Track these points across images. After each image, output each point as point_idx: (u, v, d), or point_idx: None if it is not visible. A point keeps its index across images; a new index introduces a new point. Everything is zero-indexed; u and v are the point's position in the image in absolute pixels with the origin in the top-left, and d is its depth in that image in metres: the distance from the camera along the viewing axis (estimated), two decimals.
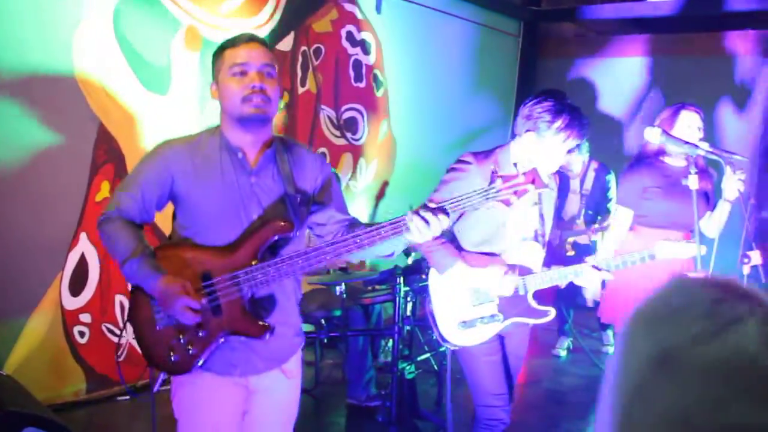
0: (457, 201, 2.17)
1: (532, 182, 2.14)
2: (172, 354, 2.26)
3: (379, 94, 6.05)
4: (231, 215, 2.27)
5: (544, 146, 2.81)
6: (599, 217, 5.45)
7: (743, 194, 3.57)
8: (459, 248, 2.95)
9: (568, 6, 8.41)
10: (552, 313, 2.95)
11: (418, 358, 4.47)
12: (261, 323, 2.25)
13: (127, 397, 4.37)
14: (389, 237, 2.19)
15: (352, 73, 5.75)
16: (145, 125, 4.31)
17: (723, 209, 3.60)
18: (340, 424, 4.54)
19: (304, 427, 2.97)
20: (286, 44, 5.11)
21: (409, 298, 4.34)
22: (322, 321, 4.42)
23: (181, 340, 2.24)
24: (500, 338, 3.04)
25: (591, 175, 5.76)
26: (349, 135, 5.77)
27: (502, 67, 7.78)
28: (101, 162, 4.18)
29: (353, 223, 2.46)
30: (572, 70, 7.75)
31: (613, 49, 7.66)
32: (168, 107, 4.40)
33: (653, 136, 2.67)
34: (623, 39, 7.73)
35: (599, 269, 2.91)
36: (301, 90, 5.30)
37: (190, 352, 2.24)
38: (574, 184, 5.79)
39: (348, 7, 5.65)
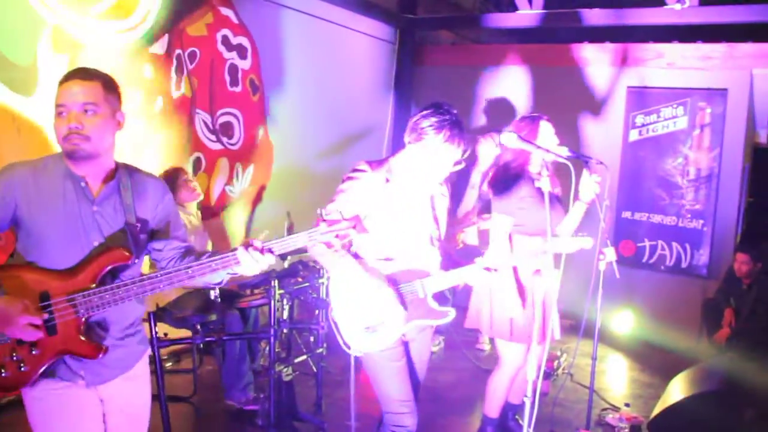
0: (284, 242, 2.36)
1: (354, 228, 2.36)
2: (2, 371, 2.27)
3: (255, 98, 6.04)
4: (72, 241, 2.34)
5: (431, 157, 2.94)
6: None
7: (599, 196, 3.84)
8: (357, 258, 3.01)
9: (444, 15, 8.69)
10: (452, 313, 3.04)
11: (296, 360, 4.50)
12: (95, 344, 2.33)
13: None
14: (219, 270, 2.37)
15: (227, 78, 5.72)
16: (9, 128, 4.14)
17: (577, 210, 3.85)
18: (219, 429, 4.51)
19: None
20: (160, 47, 5.03)
21: (285, 301, 4.37)
22: (198, 326, 4.38)
23: (14, 358, 2.27)
24: (404, 344, 3.11)
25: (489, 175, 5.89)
26: (225, 139, 5.73)
27: (378, 74, 7.93)
28: None
29: (188, 251, 2.58)
30: (448, 78, 7.99)
31: (487, 58, 7.96)
32: (34, 109, 4.24)
33: (509, 141, 2.84)
34: (496, 48, 8.06)
35: (489, 270, 3.07)
36: (176, 94, 5.23)
37: (22, 369, 2.27)
38: (475, 178, 5.93)
39: (224, 11, 5.62)
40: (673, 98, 6.81)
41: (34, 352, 2.28)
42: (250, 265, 2.33)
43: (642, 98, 6.98)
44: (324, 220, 2.35)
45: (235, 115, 5.83)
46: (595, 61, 7.25)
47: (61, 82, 2.33)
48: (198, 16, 5.39)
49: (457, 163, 3.01)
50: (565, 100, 7.16)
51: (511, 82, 7.68)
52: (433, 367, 5.74)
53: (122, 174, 2.47)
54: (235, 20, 5.73)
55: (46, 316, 2.26)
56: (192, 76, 5.36)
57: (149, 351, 2.67)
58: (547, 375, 5.35)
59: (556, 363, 5.63)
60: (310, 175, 6.53)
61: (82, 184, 2.37)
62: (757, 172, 6.93)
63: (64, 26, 4.33)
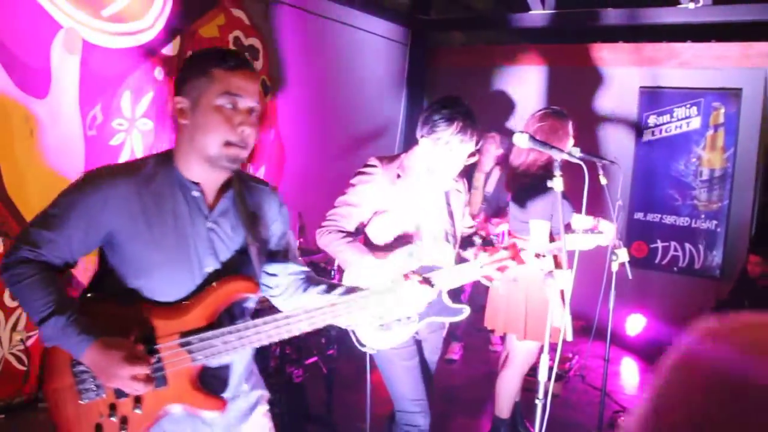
0: (443, 275, 2.18)
1: (513, 258, 2.24)
2: None
3: (266, 99, 6.05)
4: (182, 268, 1.89)
5: (443, 151, 2.92)
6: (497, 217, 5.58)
7: (612, 197, 3.82)
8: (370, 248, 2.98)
9: (456, 16, 8.68)
10: (466, 310, 2.96)
11: (306, 362, 4.50)
12: (215, 398, 1.91)
13: (2, 416, 4.14)
14: (369, 308, 2.01)
15: None
16: (22, 129, 4.16)
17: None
18: None
19: None
20: (171, 49, 5.05)
21: None
22: None
23: (112, 419, 1.83)
24: (417, 343, 3.11)
25: (496, 174, 5.90)
26: None
27: (391, 75, 7.93)
28: None
29: (309, 278, 2.20)
30: (460, 79, 7.97)
31: (499, 59, 7.95)
32: (47, 111, 4.27)
33: (521, 141, 2.83)
34: (508, 49, 8.04)
35: (539, 257, 3.05)
36: None
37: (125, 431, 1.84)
38: (479, 180, 5.93)
39: (236, 12, 5.63)
40: (686, 98, 6.76)
41: (137, 411, 1.84)
42: (410, 301, 2.04)
43: (655, 98, 6.94)
44: (485, 249, 2.21)
45: None
46: (608, 61, 7.22)
47: (231, 67, 1.85)
48: (210, 18, 5.41)
49: (471, 155, 3.00)
50: (578, 100, 7.13)
51: (523, 83, 7.66)
52: (447, 368, 5.77)
53: (236, 182, 2.02)
54: (246, 22, 5.74)
55: (153, 362, 1.82)
56: None
57: (268, 396, 2.22)
58: (559, 377, 5.33)
59: (568, 365, 5.61)
60: (321, 176, 6.53)
61: (195, 193, 1.91)
62: None
63: (77, 28, 4.35)
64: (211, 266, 1.92)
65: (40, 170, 4.21)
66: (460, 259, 3.19)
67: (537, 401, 3.01)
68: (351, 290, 2.06)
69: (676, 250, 6.90)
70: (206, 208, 1.93)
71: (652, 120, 6.94)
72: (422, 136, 2.97)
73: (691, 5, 6.32)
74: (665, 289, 6.88)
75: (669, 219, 6.91)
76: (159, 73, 4.96)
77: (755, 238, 6.46)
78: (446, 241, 3.09)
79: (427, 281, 2.11)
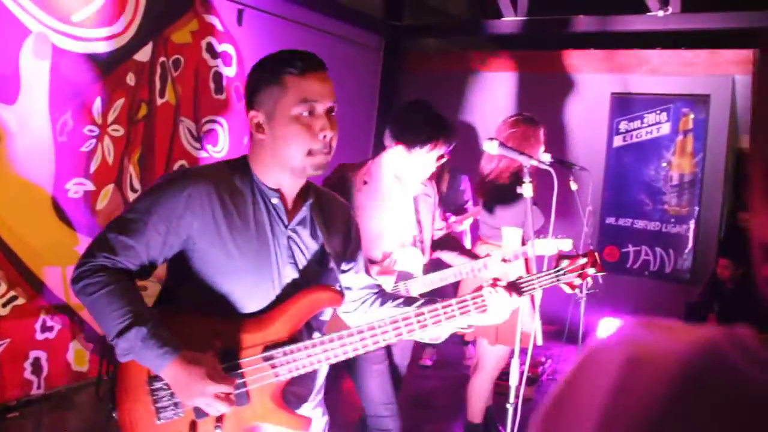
0: (529, 281, 2.07)
1: (592, 265, 2.18)
2: None
3: (240, 106, 6.04)
4: (264, 276, 1.80)
5: (413, 156, 2.92)
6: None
7: (582, 202, 3.86)
8: None
9: (430, 22, 8.72)
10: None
11: None
12: (299, 416, 1.81)
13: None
14: (456, 317, 1.91)
15: (212, 85, 5.71)
16: None
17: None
18: None
19: None
20: (144, 54, 5.02)
21: None
22: None
23: None
24: (387, 347, 3.11)
25: (446, 177, 5.83)
26: (209, 147, 5.73)
27: (364, 81, 7.94)
28: None
29: (381, 292, 2.13)
30: (434, 85, 8.00)
31: (472, 65, 7.99)
32: (15, 117, 4.22)
33: (491, 148, 2.85)
34: (481, 55, 8.09)
35: (507, 261, 3.08)
36: (159, 101, 5.21)
37: None
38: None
39: (208, 18, 5.62)
40: (656, 104, 6.85)
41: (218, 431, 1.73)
42: (498, 310, 1.92)
43: (626, 104, 7.03)
44: (566, 257, 2.14)
45: (219, 123, 5.82)
46: (580, 68, 7.30)
47: (303, 72, 1.77)
48: (182, 24, 5.39)
49: (440, 158, 3.00)
50: (550, 106, 7.19)
51: (496, 89, 7.71)
52: (420, 373, 5.78)
53: (312, 189, 1.96)
54: (220, 28, 5.73)
55: (237, 380, 1.73)
56: (176, 84, 5.36)
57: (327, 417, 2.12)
58: (532, 381, 5.36)
59: (540, 368, 5.64)
60: None
61: (275, 200, 1.84)
62: (740, 177, 6.97)
63: (47, 33, 4.31)
64: (289, 276, 1.83)
65: (9, 177, 4.15)
66: (437, 263, 3.20)
67: (508, 406, 3.03)
68: (431, 302, 1.96)
69: (647, 254, 6.98)
70: (286, 215, 1.86)
71: (623, 126, 7.03)
72: (392, 143, 2.97)
73: (661, 13, 6.42)
74: (637, 293, 6.96)
75: (640, 223, 6.99)
76: (131, 78, 4.92)
77: (724, 242, 6.56)
78: (414, 247, 3.10)
79: (515, 289, 2.02)
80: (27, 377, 4.22)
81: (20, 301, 4.17)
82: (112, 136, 4.77)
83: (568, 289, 2.36)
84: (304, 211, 1.89)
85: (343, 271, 2.04)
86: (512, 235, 3.80)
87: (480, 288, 1.96)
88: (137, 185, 4.93)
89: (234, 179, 1.82)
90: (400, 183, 3.02)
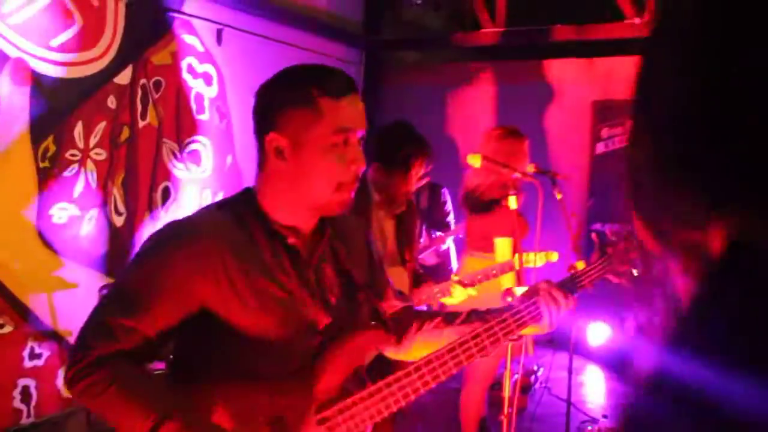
0: (579, 278, 1.95)
1: (635, 249, 2.04)
2: None
3: (222, 125, 6.02)
4: (294, 328, 1.55)
5: (393, 175, 2.94)
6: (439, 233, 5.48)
7: (567, 210, 3.87)
8: None
9: (409, 36, 8.76)
10: None
11: None
12: None
13: None
14: (514, 330, 1.71)
15: (194, 106, 5.70)
16: None
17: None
18: None
19: None
20: (124, 77, 5.00)
21: None
22: None
23: None
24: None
25: (425, 191, 5.75)
26: (193, 167, 5.71)
27: None
28: None
29: (416, 312, 1.91)
30: (414, 98, 8.02)
31: (453, 78, 8.03)
32: None
33: (475, 162, 2.85)
34: (461, 67, 8.13)
35: (464, 285, 3.08)
36: (141, 123, 5.20)
37: None
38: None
39: (188, 39, 5.61)
40: None
41: None
42: (554, 316, 1.74)
43: (607, 111, 7.07)
44: (609, 244, 1.99)
45: (202, 143, 5.81)
46: (560, 77, 7.34)
47: (336, 95, 1.56)
48: (162, 46, 5.38)
49: (420, 179, 3.02)
50: (532, 116, 7.22)
51: (476, 101, 7.75)
52: None
53: (327, 219, 1.71)
54: (200, 48, 5.72)
55: None
56: (158, 106, 5.34)
57: None
58: (525, 390, 5.35)
59: (533, 377, 5.64)
60: None
61: (292, 240, 1.59)
62: None
63: (25, 58, 4.29)
64: (323, 322, 1.59)
65: None
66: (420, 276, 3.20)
67: (503, 418, 3.03)
68: (481, 319, 1.74)
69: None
70: (303, 253, 1.62)
71: (605, 132, 7.07)
72: (375, 166, 2.98)
73: (637, 20, 6.48)
74: (624, 298, 6.96)
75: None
76: (112, 102, 4.90)
77: None
78: (398, 264, 3.11)
79: (567, 289, 1.82)
80: (16, 406, 4.17)
81: (7, 329, 4.13)
82: (94, 160, 4.74)
83: (614, 279, 2.31)
84: (323, 246, 1.67)
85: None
86: (504, 246, 3.81)
87: (529, 295, 1.78)
88: (122, 208, 4.90)
89: (242, 224, 1.57)
90: (384, 201, 3.03)
